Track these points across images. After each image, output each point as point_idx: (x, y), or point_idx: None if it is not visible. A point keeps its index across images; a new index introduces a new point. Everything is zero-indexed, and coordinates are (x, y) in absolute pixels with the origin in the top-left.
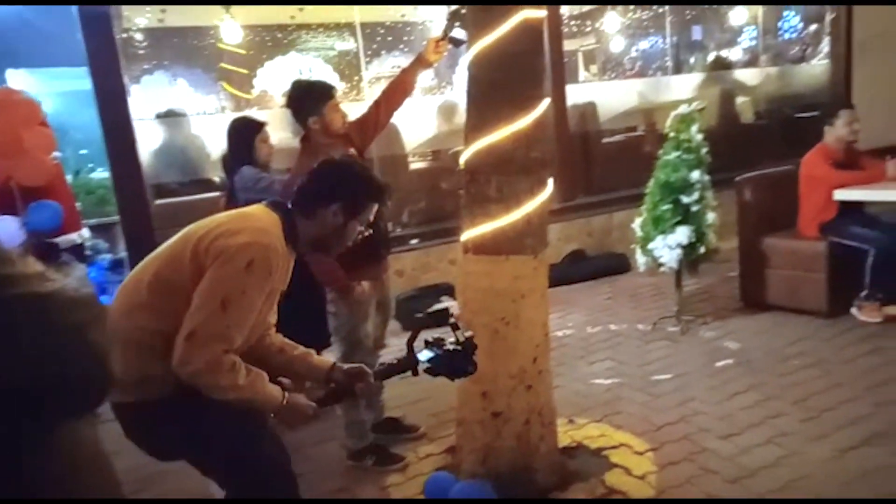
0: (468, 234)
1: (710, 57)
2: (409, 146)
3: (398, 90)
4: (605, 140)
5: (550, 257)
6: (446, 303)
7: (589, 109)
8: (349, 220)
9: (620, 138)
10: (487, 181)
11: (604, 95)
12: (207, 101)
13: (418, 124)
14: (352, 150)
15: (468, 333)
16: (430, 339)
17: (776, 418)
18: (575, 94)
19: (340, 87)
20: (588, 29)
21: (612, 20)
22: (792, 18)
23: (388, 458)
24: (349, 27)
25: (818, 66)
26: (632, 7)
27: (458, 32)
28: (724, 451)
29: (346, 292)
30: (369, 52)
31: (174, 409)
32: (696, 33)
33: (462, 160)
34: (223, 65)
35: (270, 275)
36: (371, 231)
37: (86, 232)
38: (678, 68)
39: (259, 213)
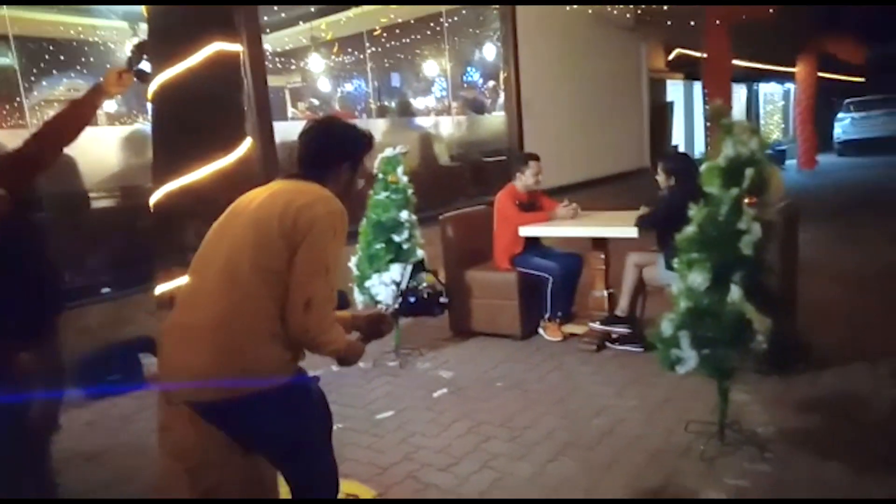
0: (163, 288)
1: (409, 103)
2: (92, 182)
3: (69, 123)
4: None
5: None
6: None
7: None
8: (353, 174)
9: None
10: (183, 227)
11: None
12: None
13: (104, 156)
14: (1, 192)
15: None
16: (407, 287)
17: (487, 442)
18: (283, 132)
19: None
20: (293, 67)
21: (317, 61)
22: (474, 74)
23: None
24: (4, 40)
25: (498, 117)
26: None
27: (146, 66)
28: (446, 483)
29: None
30: (35, 71)
31: (288, 395)
32: (395, 80)
33: (152, 202)
34: None
35: (346, 235)
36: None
37: None
38: (381, 112)
39: (305, 185)
